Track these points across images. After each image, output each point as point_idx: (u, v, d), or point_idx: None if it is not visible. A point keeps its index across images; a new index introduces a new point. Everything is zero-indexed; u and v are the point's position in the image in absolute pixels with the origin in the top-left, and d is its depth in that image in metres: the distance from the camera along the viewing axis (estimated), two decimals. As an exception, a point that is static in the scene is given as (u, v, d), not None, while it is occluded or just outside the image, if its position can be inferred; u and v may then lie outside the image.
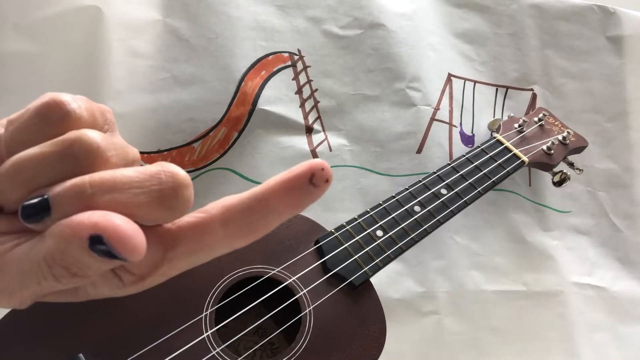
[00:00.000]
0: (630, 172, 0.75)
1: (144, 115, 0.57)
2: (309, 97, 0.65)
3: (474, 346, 0.64)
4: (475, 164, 0.59)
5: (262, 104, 0.61)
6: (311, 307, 0.45)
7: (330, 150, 0.65)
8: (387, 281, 0.62)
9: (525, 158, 0.61)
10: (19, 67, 0.54)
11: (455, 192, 0.56)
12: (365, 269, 0.48)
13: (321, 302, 0.46)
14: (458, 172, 0.58)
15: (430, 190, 0.56)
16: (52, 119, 0.17)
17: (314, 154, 0.64)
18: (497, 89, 0.74)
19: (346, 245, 0.49)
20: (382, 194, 0.60)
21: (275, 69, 0.63)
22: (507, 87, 0.74)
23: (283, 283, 0.46)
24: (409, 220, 0.53)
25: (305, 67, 0.65)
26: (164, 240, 0.18)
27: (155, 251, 0.18)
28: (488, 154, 0.61)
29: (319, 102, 0.65)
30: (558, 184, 0.65)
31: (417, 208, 0.54)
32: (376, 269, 0.49)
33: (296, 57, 0.65)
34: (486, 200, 0.68)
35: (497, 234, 0.69)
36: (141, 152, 0.57)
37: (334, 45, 0.66)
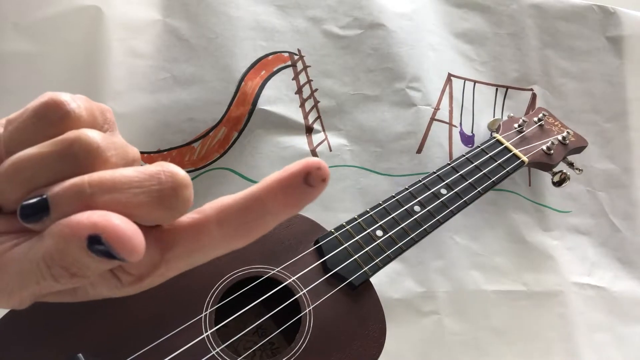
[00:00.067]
0: (629, 172, 0.75)
1: (144, 115, 0.57)
2: (309, 97, 0.65)
3: (474, 346, 0.64)
4: (475, 164, 0.59)
5: (262, 104, 0.61)
6: (311, 307, 0.45)
7: (330, 150, 0.65)
8: (387, 281, 0.62)
9: (525, 158, 0.61)
10: (19, 67, 0.54)
11: (455, 192, 0.56)
12: (365, 269, 0.48)
13: (321, 302, 0.46)
14: (458, 172, 0.58)
15: (430, 190, 0.56)
16: (52, 118, 0.17)
17: (314, 154, 0.64)
18: (497, 89, 0.74)
19: (346, 245, 0.49)
20: (382, 194, 0.60)
21: (275, 69, 0.63)
22: (507, 87, 0.74)
23: (283, 283, 0.46)
24: (408, 220, 0.53)
25: (305, 67, 0.65)
26: (161, 241, 0.18)
27: (154, 252, 0.18)
28: (488, 154, 0.61)
29: (319, 102, 0.65)
30: (558, 184, 0.65)
31: (417, 208, 0.54)
32: (376, 269, 0.49)
33: (296, 57, 0.65)
34: (486, 200, 0.68)
35: (497, 234, 0.69)
36: (141, 152, 0.57)
37: (334, 45, 0.66)
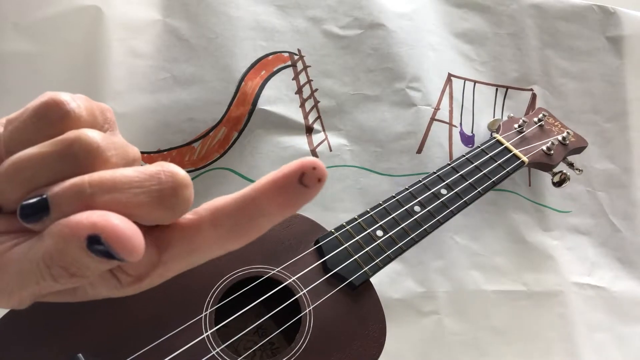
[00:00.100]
0: (629, 172, 0.75)
1: (144, 115, 0.57)
2: (309, 97, 0.65)
3: (474, 346, 0.64)
4: (475, 164, 0.59)
5: (262, 104, 0.61)
6: (311, 307, 0.45)
7: (330, 150, 0.65)
8: (387, 281, 0.62)
9: (525, 158, 0.61)
10: (19, 67, 0.54)
11: (455, 192, 0.56)
12: (365, 269, 0.48)
13: (321, 302, 0.46)
14: (458, 172, 0.58)
15: (430, 190, 0.55)
16: (52, 118, 0.17)
17: (314, 154, 0.64)
18: (497, 89, 0.74)
19: (346, 245, 0.49)
20: (382, 194, 0.60)
21: (275, 69, 0.63)
22: (507, 87, 0.74)
23: (283, 283, 0.46)
24: (409, 220, 0.53)
25: (305, 67, 0.65)
26: (159, 241, 0.18)
27: (153, 252, 0.18)
28: (488, 154, 0.61)
29: (319, 102, 0.65)
30: (558, 184, 0.65)
31: (417, 208, 0.54)
32: (376, 269, 0.49)
33: (296, 57, 0.65)
34: (486, 200, 0.68)
35: (497, 234, 0.69)
36: (141, 152, 0.57)
37: (334, 45, 0.66)
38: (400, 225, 0.52)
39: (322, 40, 0.66)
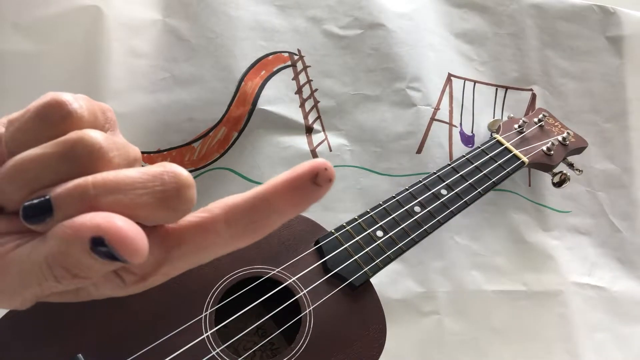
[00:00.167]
0: (629, 172, 0.75)
1: (144, 115, 0.57)
2: (309, 97, 0.65)
3: (474, 346, 0.64)
4: (476, 164, 0.59)
5: (262, 104, 0.61)
6: (311, 308, 0.45)
7: (330, 150, 0.65)
8: (387, 281, 0.62)
9: (525, 159, 0.61)
10: (19, 67, 0.54)
11: (456, 192, 0.56)
12: (366, 269, 0.48)
13: (321, 303, 0.46)
14: (458, 173, 0.58)
15: (430, 190, 0.55)
16: (53, 119, 0.17)
17: (314, 154, 0.64)
18: (497, 89, 0.74)
19: (346, 245, 0.49)
20: (382, 194, 0.60)
21: (275, 69, 0.63)
22: (507, 87, 0.74)
23: (283, 283, 0.46)
24: (409, 220, 0.53)
25: (305, 67, 0.65)
26: (166, 240, 0.18)
27: (158, 251, 0.18)
28: (488, 155, 0.61)
29: (319, 102, 0.65)
30: (558, 184, 0.65)
31: (417, 208, 0.54)
32: (376, 269, 0.49)
33: (296, 57, 0.65)
34: (486, 200, 0.68)
35: (497, 234, 0.69)
36: (141, 152, 0.57)
37: (334, 45, 0.66)
38: (400, 226, 0.52)
39: (322, 40, 0.66)
